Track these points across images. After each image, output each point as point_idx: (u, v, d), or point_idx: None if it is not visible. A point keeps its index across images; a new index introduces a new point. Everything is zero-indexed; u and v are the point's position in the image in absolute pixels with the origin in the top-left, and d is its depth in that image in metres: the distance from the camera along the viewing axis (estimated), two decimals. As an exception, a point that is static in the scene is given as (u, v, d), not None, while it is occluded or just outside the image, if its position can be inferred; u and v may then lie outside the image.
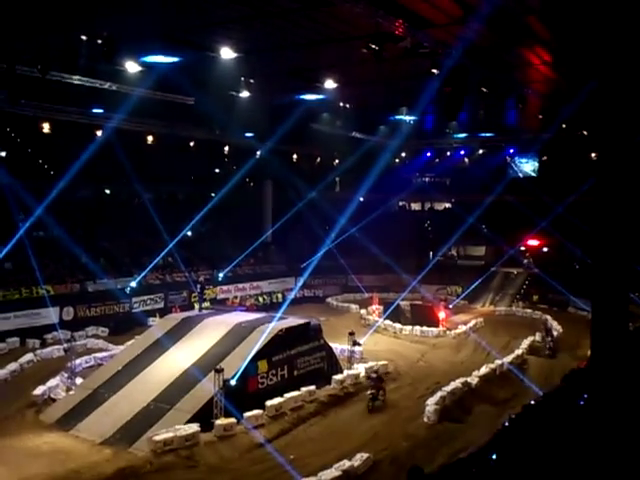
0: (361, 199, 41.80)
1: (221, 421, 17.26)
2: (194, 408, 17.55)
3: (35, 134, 34.28)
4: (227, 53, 22.43)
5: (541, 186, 42.47)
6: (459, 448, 14.94)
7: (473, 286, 37.89)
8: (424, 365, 25.40)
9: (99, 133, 34.10)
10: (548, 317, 32.81)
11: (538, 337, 27.94)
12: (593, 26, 16.04)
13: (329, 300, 39.44)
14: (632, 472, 7.19)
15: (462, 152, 47.16)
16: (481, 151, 46.41)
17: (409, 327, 30.88)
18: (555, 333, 28.70)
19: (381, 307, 34.36)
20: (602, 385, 11.33)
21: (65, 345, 23.39)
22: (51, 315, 28.44)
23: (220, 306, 32.14)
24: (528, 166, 46.45)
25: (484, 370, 22.73)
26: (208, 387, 17.82)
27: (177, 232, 36.28)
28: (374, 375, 21.55)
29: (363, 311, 34.95)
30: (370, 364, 23.38)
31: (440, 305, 33.18)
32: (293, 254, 42.28)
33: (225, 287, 37.50)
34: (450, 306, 34.64)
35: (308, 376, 21.43)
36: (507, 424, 10.75)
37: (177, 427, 16.51)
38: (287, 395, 19.44)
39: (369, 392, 20.14)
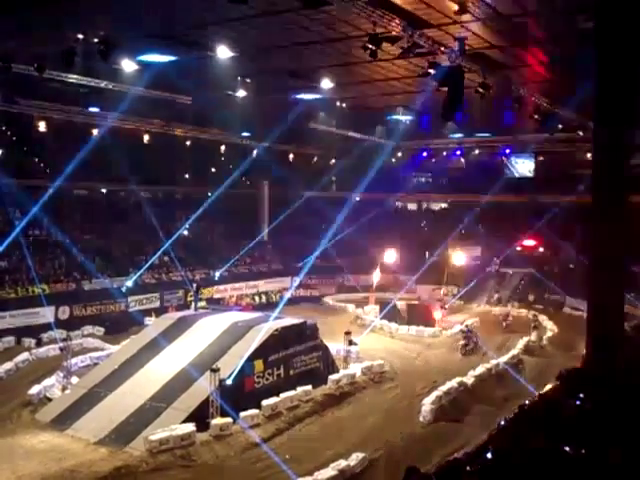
0: (357, 199, 41.81)
1: (217, 420, 17.27)
2: (190, 407, 17.54)
3: (31, 133, 34.27)
4: (224, 52, 22.41)
5: (537, 186, 42.59)
6: (455, 448, 14.95)
7: (469, 286, 37.90)
8: (420, 364, 25.43)
9: (95, 132, 34.10)
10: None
11: (533, 337, 28.07)
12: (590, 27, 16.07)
13: (325, 300, 39.39)
14: (630, 470, 7.21)
15: (458, 152, 47.17)
16: (477, 151, 46.44)
17: (405, 327, 30.91)
18: (550, 333, 28.90)
19: (377, 307, 34.37)
20: (598, 385, 11.36)
21: (61, 344, 23.34)
22: (47, 314, 28.36)
23: (216, 305, 32.12)
24: (524, 166, 46.48)
25: (480, 370, 22.77)
26: (204, 386, 17.81)
27: (173, 231, 36.30)
28: (466, 328, 26.88)
29: (359, 311, 34.96)
30: (366, 363, 23.41)
31: (436, 305, 33.20)
32: (289, 253, 42.27)
33: (221, 286, 37.42)
34: (446, 306, 34.66)
35: (304, 376, 21.42)
36: (503, 423, 10.76)
37: (173, 426, 16.50)
38: (283, 395, 19.44)
39: (461, 342, 26.32)
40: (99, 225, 36.71)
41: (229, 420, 17.42)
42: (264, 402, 18.74)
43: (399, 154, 48.49)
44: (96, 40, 18.81)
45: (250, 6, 16.62)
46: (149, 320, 29.23)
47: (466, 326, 27.75)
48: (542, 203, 38.89)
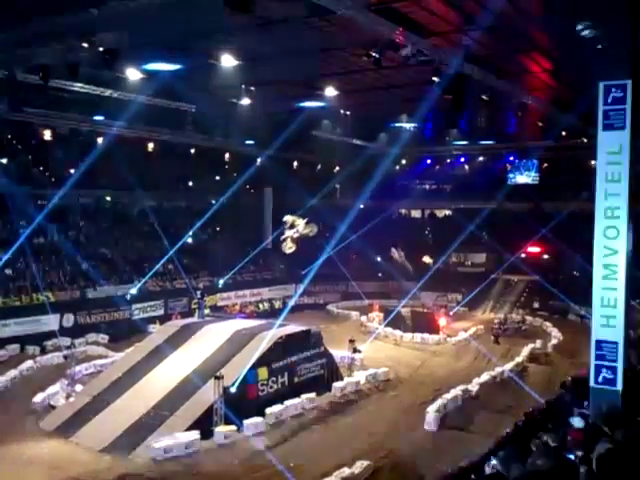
0: (361, 206, 41.79)
1: (221, 428, 17.25)
2: (194, 415, 17.52)
3: (36, 141, 34.42)
4: (228, 61, 22.50)
5: (541, 193, 42.55)
6: (460, 456, 14.83)
7: (473, 293, 37.84)
8: (425, 372, 25.37)
9: (100, 140, 34.23)
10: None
11: (538, 344, 28.01)
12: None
13: (329, 307, 39.40)
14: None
15: (462, 159, 47.24)
16: (481, 158, 46.48)
17: (409, 334, 30.86)
18: (555, 341, 28.85)
19: (381, 314, 34.32)
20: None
21: (65, 352, 23.38)
22: (51, 322, 28.35)
23: (220, 313, 32.12)
24: (528, 173, 46.49)
25: (484, 377, 22.71)
26: (208, 394, 17.80)
27: (177, 239, 36.32)
28: (498, 319, 32.45)
29: (363, 318, 34.92)
30: (370, 371, 23.36)
31: (440, 312, 33.17)
32: (293, 261, 42.20)
33: (225, 294, 37.41)
34: (450, 313, 34.61)
35: (308, 383, 21.41)
36: (508, 431, 10.73)
37: (177, 434, 16.50)
38: (287, 402, 19.44)
39: (497, 325, 31.46)
40: (103, 233, 36.79)
41: (233, 428, 17.41)
42: (268, 410, 18.73)
43: (403, 161, 48.55)
44: (101, 49, 18.87)
45: (254, 15, 16.69)
46: (153, 328, 29.25)
47: (504, 315, 33.71)
48: (546, 210, 38.82)
